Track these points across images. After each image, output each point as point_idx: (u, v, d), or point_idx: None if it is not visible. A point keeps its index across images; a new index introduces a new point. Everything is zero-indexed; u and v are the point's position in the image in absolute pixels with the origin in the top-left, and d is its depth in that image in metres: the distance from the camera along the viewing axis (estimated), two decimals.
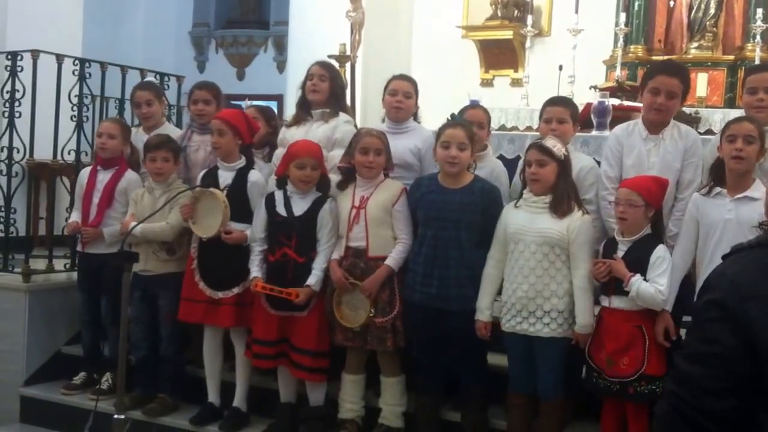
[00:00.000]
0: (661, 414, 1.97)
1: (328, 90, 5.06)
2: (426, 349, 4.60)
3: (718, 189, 4.01)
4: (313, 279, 4.62)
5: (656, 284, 3.94)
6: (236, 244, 4.85)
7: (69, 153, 6.15)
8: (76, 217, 5.53)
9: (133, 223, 4.95)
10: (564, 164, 4.20)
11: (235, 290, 4.88)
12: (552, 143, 4.19)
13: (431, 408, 4.66)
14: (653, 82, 4.38)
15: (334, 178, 4.86)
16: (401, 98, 4.90)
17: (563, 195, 4.17)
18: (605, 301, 4.14)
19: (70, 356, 5.99)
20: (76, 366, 5.79)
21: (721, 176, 4.04)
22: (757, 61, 8.25)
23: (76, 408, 5.47)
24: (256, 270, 4.72)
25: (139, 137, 5.59)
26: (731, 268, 1.88)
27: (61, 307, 6.07)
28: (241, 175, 4.96)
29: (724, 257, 1.96)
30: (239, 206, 4.87)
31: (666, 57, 8.91)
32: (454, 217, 4.37)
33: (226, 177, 4.96)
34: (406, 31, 11.22)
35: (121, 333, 4.28)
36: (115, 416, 4.20)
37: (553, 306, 4.14)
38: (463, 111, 4.98)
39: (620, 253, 4.10)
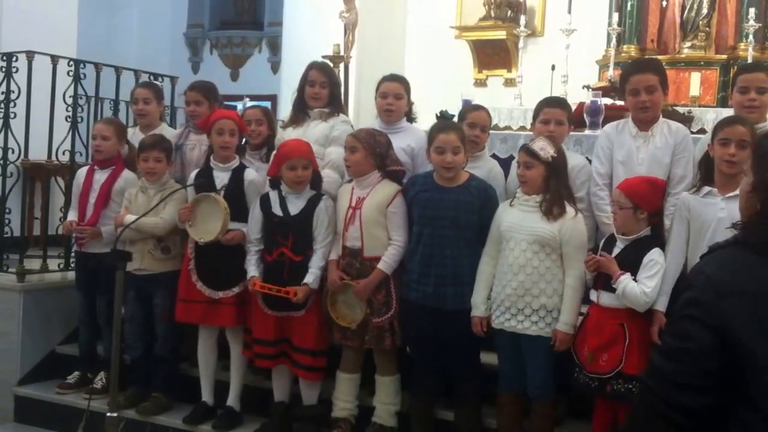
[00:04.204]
0: (636, 407, 1.99)
1: (328, 96, 5.12)
2: (421, 348, 4.61)
3: (707, 188, 4.02)
4: (311, 277, 4.64)
5: (643, 285, 3.94)
6: (236, 243, 4.86)
7: (64, 153, 6.16)
8: (72, 216, 5.53)
9: (129, 216, 4.97)
10: (553, 166, 4.19)
11: (236, 289, 4.89)
12: (539, 146, 4.20)
13: (425, 407, 4.67)
14: (629, 85, 4.49)
15: (330, 173, 4.90)
16: (392, 100, 4.92)
17: (554, 196, 4.17)
18: (594, 296, 4.15)
19: (64, 356, 6.00)
20: (70, 365, 5.80)
21: (710, 172, 4.06)
22: (749, 61, 8.26)
23: (71, 407, 5.48)
24: (253, 270, 4.74)
25: (136, 137, 5.60)
26: (708, 266, 1.91)
27: (55, 307, 6.08)
28: (237, 175, 4.98)
29: (702, 256, 1.99)
30: (237, 206, 4.88)
31: (658, 56, 8.93)
32: (451, 215, 4.38)
33: (222, 177, 4.98)
34: (399, 32, 11.24)
35: (114, 331, 4.30)
36: (108, 414, 4.22)
37: (541, 304, 4.15)
38: (464, 112, 5.00)
39: (616, 251, 4.11)
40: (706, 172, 4.09)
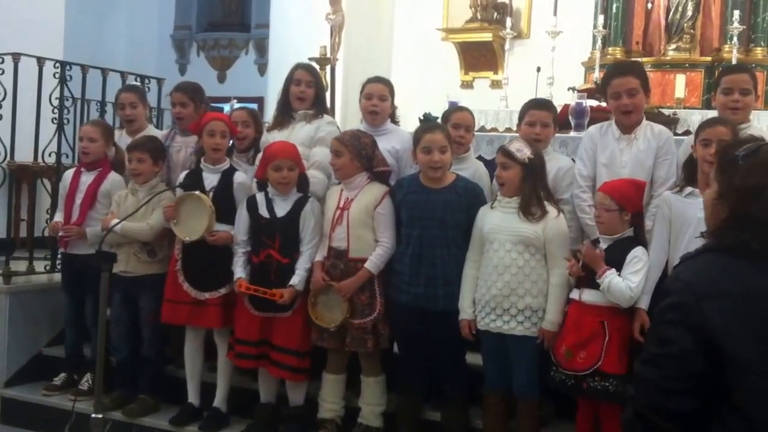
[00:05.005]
0: (625, 420, 2.00)
1: (313, 97, 5.12)
2: (410, 349, 4.63)
3: (689, 189, 4.07)
4: (297, 279, 4.65)
5: (628, 281, 3.97)
6: (222, 245, 4.86)
7: (50, 155, 6.15)
8: (59, 218, 5.52)
9: (115, 220, 4.97)
10: (530, 167, 4.21)
11: (222, 291, 4.90)
12: (516, 147, 4.22)
13: (412, 408, 4.69)
14: (611, 88, 4.52)
15: (315, 174, 4.91)
16: (376, 102, 4.94)
17: (531, 198, 4.19)
18: (575, 294, 4.17)
19: (50, 357, 5.99)
20: (56, 367, 5.80)
21: (693, 173, 4.09)
22: (734, 62, 8.31)
23: (57, 409, 5.48)
24: (239, 271, 4.75)
25: (123, 140, 5.60)
26: (684, 273, 1.93)
27: (41, 309, 6.07)
28: (226, 177, 4.99)
29: (675, 267, 2.02)
30: (225, 208, 4.89)
31: (643, 58, 8.98)
32: (440, 216, 4.40)
33: (211, 179, 4.98)
34: (386, 34, 11.26)
35: (99, 332, 4.30)
36: (94, 416, 4.22)
37: (526, 304, 4.18)
38: (449, 113, 5.01)
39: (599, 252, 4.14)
40: (690, 173, 4.13)
